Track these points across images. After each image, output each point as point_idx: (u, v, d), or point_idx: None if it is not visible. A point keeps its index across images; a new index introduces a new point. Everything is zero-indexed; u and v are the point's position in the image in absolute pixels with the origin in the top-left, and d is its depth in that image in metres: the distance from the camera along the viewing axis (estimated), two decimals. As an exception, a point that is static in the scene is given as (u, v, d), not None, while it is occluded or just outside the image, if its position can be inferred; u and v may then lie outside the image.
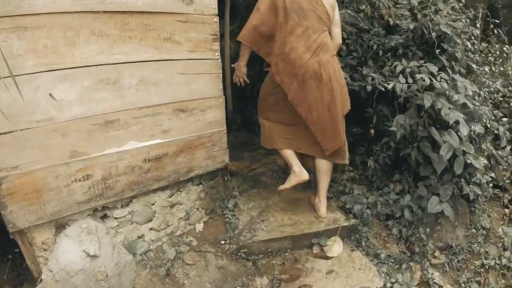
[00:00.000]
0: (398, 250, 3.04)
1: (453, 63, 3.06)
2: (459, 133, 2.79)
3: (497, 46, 4.66)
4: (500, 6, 5.63)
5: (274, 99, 2.76)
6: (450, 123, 2.56)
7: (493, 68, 3.97)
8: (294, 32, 2.49)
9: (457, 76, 2.71)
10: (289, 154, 2.82)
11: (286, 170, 3.38)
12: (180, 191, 2.67)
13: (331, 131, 2.65)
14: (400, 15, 3.28)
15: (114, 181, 2.27)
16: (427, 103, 2.52)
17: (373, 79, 2.90)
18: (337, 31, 2.73)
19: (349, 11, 3.18)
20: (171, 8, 2.27)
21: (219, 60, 2.58)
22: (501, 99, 4.54)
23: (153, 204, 2.55)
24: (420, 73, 2.68)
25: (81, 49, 1.98)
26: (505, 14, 5.86)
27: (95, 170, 2.18)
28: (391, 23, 3.27)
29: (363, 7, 3.22)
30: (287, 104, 2.67)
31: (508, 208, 4.20)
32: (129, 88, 2.20)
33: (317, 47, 2.52)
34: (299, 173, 2.75)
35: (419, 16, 2.98)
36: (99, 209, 2.32)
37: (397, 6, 3.24)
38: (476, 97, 3.15)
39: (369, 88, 2.88)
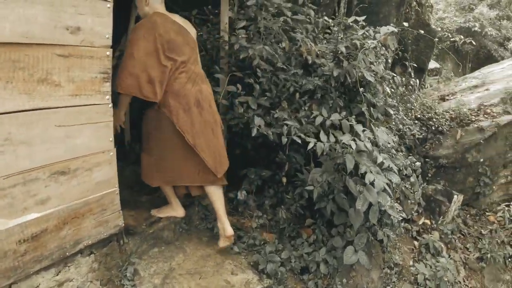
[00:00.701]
0: (315, 304, 2.88)
1: (371, 109, 2.94)
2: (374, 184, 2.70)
3: (403, 79, 4.78)
4: (409, 41, 5.84)
5: (158, 134, 2.70)
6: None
7: (408, 113, 4.02)
8: (178, 68, 2.55)
9: (380, 132, 2.58)
10: (170, 192, 2.92)
11: (190, 221, 3.06)
12: (68, 266, 2.18)
13: (220, 154, 2.77)
14: (320, 52, 3.09)
15: (-16, 272, 1.76)
16: (349, 165, 2.35)
17: (288, 126, 2.65)
18: (198, 58, 2.84)
19: (266, 47, 2.91)
20: (49, 38, 1.79)
21: (110, 105, 2.15)
22: (406, 130, 4.65)
23: (37, 286, 2.05)
24: (341, 126, 2.49)
25: None
26: (413, 48, 6.12)
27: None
28: (310, 61, 3.07)
29: (283, 44, 2.97)
30: (171, 138, 2.64)
31: (417, 240, 4.31)
32: (-10, 151, 1.69)
33: (196, 77, 2.66)
34: (176, 209, 2.95)
35: (345, 63, 2.78)
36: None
37: (319, 44, 3.05)
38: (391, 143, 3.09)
39: (284, 140, 2.62)
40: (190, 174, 2.73)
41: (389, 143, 2.76)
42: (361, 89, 2.69)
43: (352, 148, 2.33)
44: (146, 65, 2.43)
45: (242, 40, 3.00)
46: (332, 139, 2.46)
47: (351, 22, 2.96)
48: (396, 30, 2.78)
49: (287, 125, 2.64)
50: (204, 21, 3.61)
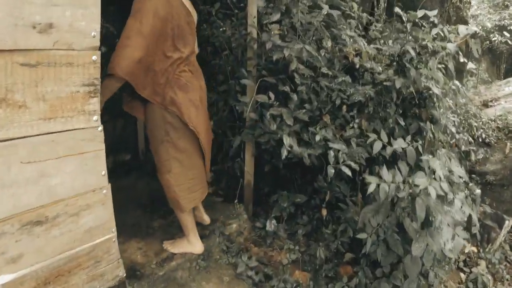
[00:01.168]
0: None
1: (432, 126, 2.36)
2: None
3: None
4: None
5: (171, 138, 2.20)
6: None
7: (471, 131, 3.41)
8: (183, 61, 2.15)
9: (454, 166, 1.99)
10: (191, 220, 2.42)
11: (209, 255, 2.52)
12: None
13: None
14: (370, 54, 2.51)
15: None
16: (421, 214, 1.77)
17: (334, 152, 2.06)
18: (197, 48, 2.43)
19: (307, 47, 2.34)
20: (7, 41, 1.23)
21: (99, 128, 1.59)
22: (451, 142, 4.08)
23: None
24: (406, 155, 1.90)
25: None
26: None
27: None
28: (357, 65, 2.50)
29: (328, 43, 2.39)
30: (188, 139, 2.23)
31: (463, 271, 3.77)
32: None
33: (196, 71, 2.30)
34: (193, 243, 2.44)
35: (412, 71, 2.17)
36: None
37: (371, 45, 2.46)
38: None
39: (331, 172, 2.04)
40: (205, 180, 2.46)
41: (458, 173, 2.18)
42: (440, 107, 2.10)
43: (431, 196, 1.74)
44: (153, 48, 1.91)
45: (275, 38, 2.44)
46: (399, 177, 1.85)
47: (418, 18, 2.33)
48: (478, 30, 2.18)
49: (332, 149, 2.05)
50: (228, 16, 3.04)
